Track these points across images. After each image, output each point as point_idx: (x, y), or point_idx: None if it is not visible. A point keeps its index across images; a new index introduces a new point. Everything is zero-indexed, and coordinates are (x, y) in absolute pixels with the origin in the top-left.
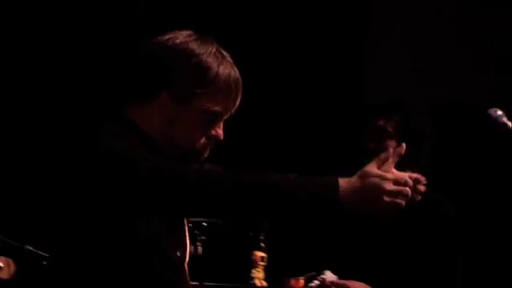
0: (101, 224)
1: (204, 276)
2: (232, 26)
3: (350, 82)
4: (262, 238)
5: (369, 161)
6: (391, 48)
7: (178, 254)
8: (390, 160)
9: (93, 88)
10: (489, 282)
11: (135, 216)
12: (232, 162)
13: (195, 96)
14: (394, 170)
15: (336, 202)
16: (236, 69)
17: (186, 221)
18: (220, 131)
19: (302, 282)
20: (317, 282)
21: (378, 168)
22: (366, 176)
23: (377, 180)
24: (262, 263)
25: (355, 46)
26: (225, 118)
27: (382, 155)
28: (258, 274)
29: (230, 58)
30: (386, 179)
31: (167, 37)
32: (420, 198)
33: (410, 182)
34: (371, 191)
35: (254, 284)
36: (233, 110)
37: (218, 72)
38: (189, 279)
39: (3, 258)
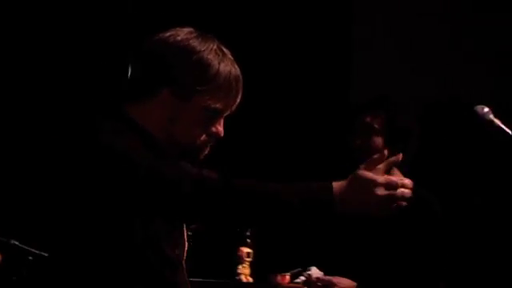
0: (99, 223)
1: (190, 272)
2: (215, 25)
3: (336, 80)
4: (248, 233)
5: (356, 157)
6: (377, 46)
7: (177, 252)
8: (383, 168)
9: (92, 86)
10: (476, 279)
11: (133, 216)
12: (217, 159)
13: (196, 93)
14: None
15: (331, 206)
16: (237, 66)
17: None
18: (220, 128)
19: (287, 277)
20: (303, 278)
21: (370, 170)
22: (357, 180)
23: (369, 185)
24: (248, 259)
25: (341, 43)
26: (225, 115)
27: (374, 157)
28: (244, 270)
29: (230, 56)
30: (377, 184)
31: (168, 34)
32: (405, 204)
33: (401, 185)
34: (364, 196)
35: (240, 280)
36: (233, 108)
37: (218, 69)
38: (187, 277)
39: None
